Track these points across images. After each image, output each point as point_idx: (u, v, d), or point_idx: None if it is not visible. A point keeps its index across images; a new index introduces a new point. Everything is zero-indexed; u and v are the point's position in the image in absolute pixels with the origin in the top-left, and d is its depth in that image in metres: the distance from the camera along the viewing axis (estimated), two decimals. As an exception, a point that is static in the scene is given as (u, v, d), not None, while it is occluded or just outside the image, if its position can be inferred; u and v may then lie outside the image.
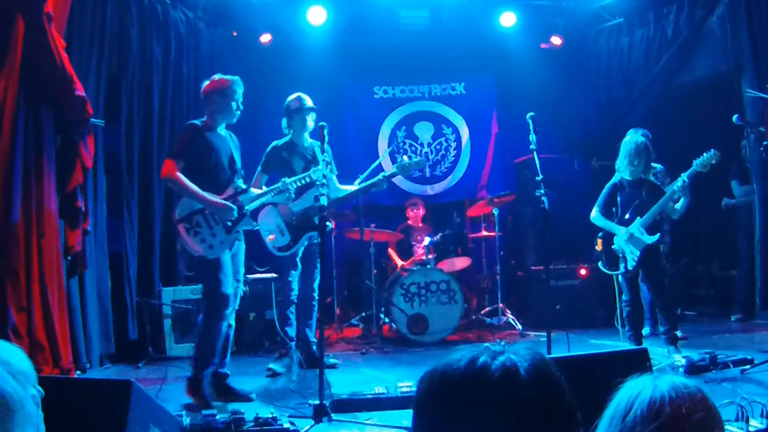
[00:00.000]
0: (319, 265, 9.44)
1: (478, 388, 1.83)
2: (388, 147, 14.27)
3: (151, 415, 5.00)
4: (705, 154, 8.64)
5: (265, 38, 13.26)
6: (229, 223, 7.70)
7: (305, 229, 9.14)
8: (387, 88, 14.70)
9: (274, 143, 9.46)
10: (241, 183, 8.03)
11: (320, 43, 13.40)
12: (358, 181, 9.84)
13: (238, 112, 8.05)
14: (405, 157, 9.07)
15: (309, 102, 9.50)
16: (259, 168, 9.29)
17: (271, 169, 9.36)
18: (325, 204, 7.19)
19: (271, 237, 9.19)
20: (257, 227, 8.54)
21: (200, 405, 7.24)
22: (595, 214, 9.10)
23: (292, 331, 9.42)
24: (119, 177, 10.40)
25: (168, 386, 8.18)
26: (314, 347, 9.46)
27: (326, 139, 7.66)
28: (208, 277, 7.75)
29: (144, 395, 4.91)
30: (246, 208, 7.89)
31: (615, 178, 9.12)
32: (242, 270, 8.18)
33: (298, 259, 9.38)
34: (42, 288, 7.98)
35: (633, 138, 9.01)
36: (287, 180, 8.20)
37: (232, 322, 7.97)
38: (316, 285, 9.48)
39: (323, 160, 8.32)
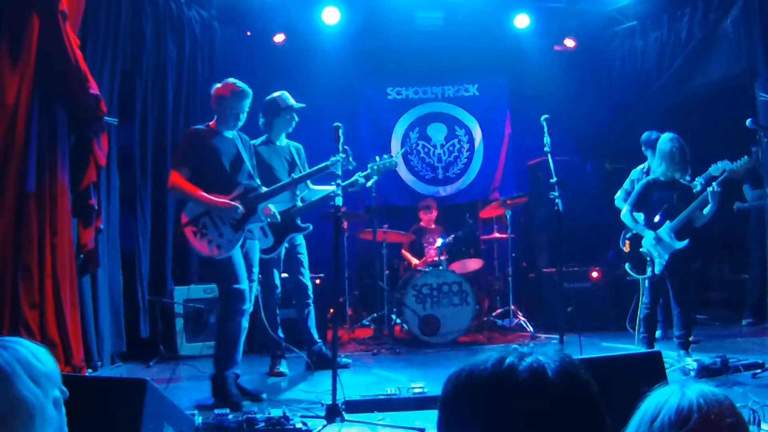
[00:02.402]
0: (306, 265, 9.49)
1: (505, 388, 1.82)
2: (401, 148, 14.25)
3: (165, 414, 5.01)
4: (739, 160, 8.60)
5: (279, 38, 13.28)
6: (236, 222, 7.73)
7: (287, 230, 9.09)
8: (400, 89, 14.72)
9: (251, 142, 9.36)
10: (250, 181, 8.05)
11: (334, 43, 13.42)
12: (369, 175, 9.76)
13: (239, 123, 8.09)
14: (377, 158, 8.99)
15: (292, 100, 9.42)
16: None
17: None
18: (341, 204, 7.18)
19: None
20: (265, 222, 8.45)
21: (224, 406, 7.11)
22: (625, 212, 9.02)
23: (281, 331, 9.40)
24: (132, 175, 10.43)
25: (180, 385, 8.19)
26: (323, 348, 9.50)
27: (341, 139, 7.56)
28: (220, 277, 7.84)
29: (158, 394, 4.93)
30: (259, 206, 7.91)
31: (649, 177, 9.09)
32: (256, 270, 8.18)
33: (281, 261, 9.37)
34: (54, 285, 8.02)
35: (669, 140, 8.90)
36: (296, 176, 8.17)
37: (245, 324, 7.96)
38: (309, 284, 9.51)
39: (299, 161, 8.48)
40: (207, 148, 7.87)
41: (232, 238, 7.72)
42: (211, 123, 8.08)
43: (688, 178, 9.15)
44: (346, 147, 8.28)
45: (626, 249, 9.11)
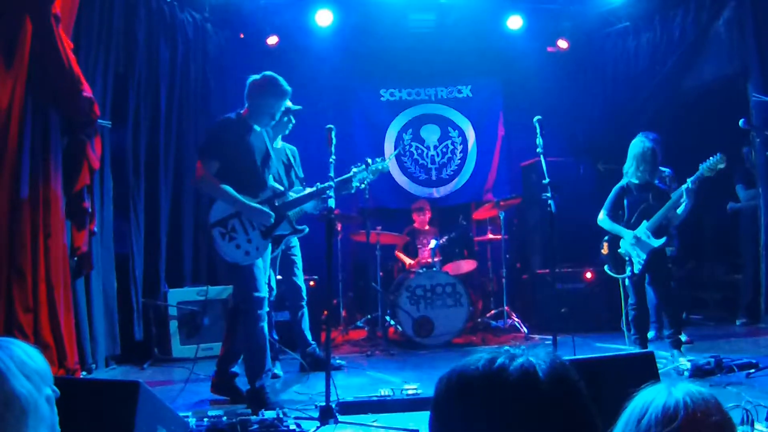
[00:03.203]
0: (301, 266, 9.54)
1: (495, 389, 1.83)
2: (395, 150, 14.27)
3: (159, 416, 5.01)
4: (711, 158, 8.60)
5: (272, 40, 13.30)
6: (265, 228, 7.55)
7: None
8: (394, 90, 14.74)
9: None
10: (278, 185, 8.00)
11: (327, 45, 13.47)
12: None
13: (273, 122, 7.93)
14: (368, 160, 8.98)
15: (289, 102, 9.33)
16: None
17: None
18: (333, 206, 7.18)
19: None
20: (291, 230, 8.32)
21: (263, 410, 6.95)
22: (602, 217, 9.06)
23: (275, 333, 9.38)
24: (126, 178, 10.43)
25: (174, 387, 8.19)
26: (316, 350, 9.53)
27: (333, 142, 7.43)
28: (240, 282, 7.60)
29: (151, 396, 4.92)
30: (289, 213, 7.85)
31: (622, 182, 9.10)
32: (266, 275, 7.97)
33: (277, 263, 9.34)
34: (48, 288, 7.99)
35: (640, 142, 8.99)
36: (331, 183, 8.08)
37: (266, 327, 7.83)
38: (303, 286, 9.55)
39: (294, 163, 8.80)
40: (240, 143, 7.58)
41: (260, 244, 7.54)
42: (242, 111, 7.79)
43: (657, 181, 9.19)
44: (368, 159, 8.31)
45: (604, 251, 9.14)
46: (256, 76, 7.85)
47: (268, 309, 7.74)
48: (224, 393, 7.92)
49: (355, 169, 8.42)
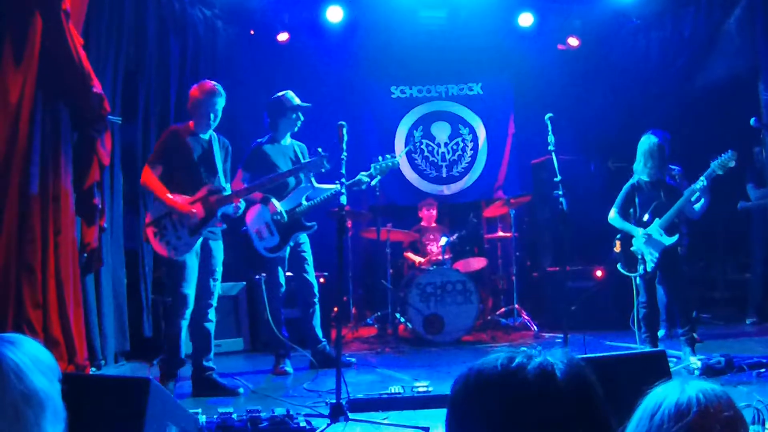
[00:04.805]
0: (311, 263, 9.56)
1: (513, 388, 1.83)
2: (405, 147, 14.21)
3: (169, 413, 5.00)
4: (723, 155, 8.58)
5: (283, 37, 13.28)
6: (193, 226, 7.96)
7: (293, 229, 9.11)
8: (404, 87, 14.69)
9: (258, 141, 9.43)
10: (217, 183, 8.23)
11: (338, 42, 13.48)
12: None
13: (213, 123, 8.28)
14: (380, 158, 9.06)
15: (298, 100, 9.46)
16: (240, 166, 9.27)
17: (254, 167, 9.28)
18: (345, 203, 7.17)
19: (257, 232, 9.15)
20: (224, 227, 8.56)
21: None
22: (613, 215, 9.04)
23: (285, 330, 9.40)
24: (136, 174, 10.38)
25: (184, 383, 8.19)
26: (327, 347, 9.51)
27: (345, 138, 7.45)
28: (171, 278, 8.16)
29: (162, 393, 4.91)
30: (219, 209, 8.16)
31: (632, 179, 9.08)
32: (219, 269, 8.40)
33: (285, 260, 9.38)
34: (58, 284, 7.99)
35: (647, 139, 8.98)
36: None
37: (213, 317, 8.33)
38: (314, 283, 9.55)
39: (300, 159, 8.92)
40: (181, 147, 8.15)
41: (188, 241, 7.97)
42: (189, 123, 8.32)
43: (667, 178, 9.18)
44: (319, 149, 8.55)
45: (617, 249, 9.11)
46: (194, 86, 8.41)
47: (192, 308, 8.10)
48: (206, 390, 8.08)
49: (305, 160, 8.97)
